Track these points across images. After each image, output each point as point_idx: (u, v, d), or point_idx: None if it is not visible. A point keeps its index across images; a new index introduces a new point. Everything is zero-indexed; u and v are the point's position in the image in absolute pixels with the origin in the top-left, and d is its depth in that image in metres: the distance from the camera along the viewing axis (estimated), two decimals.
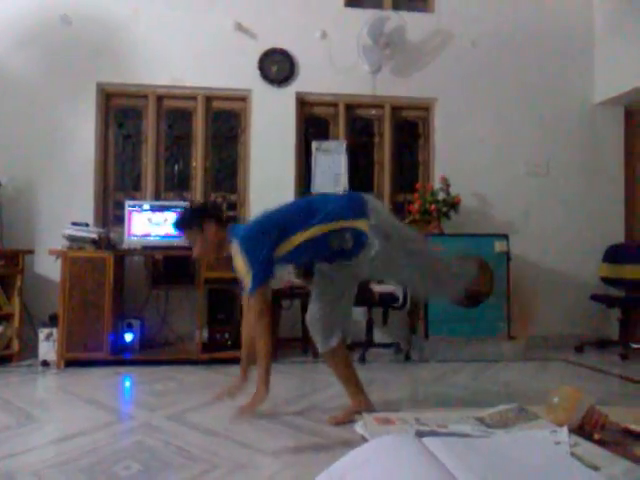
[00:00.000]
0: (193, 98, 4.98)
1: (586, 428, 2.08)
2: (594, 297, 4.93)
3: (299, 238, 2.53)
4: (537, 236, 5.15)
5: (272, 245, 2.52)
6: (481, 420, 2.17)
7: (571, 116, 5.30)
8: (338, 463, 1.08)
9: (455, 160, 5.10)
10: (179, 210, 2.79)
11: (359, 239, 2.51)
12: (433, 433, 1.67)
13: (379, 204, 2.80)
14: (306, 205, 2.71)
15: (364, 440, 2.16)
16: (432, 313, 4.46)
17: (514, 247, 4.70)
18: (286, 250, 2.54)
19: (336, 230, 2.53)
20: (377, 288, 4.52)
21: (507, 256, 4.55)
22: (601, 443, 2.00)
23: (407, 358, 4.36)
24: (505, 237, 4.58)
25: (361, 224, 2.52)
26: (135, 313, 4.52)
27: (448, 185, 4.81)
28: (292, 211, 2.71)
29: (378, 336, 4.71)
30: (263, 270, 2.50)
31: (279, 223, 2.59)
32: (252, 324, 2.59)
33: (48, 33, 4.67)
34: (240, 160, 5.05)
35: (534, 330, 4.97)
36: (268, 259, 2.51)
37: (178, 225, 2.73)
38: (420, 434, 1.59)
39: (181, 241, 4.27)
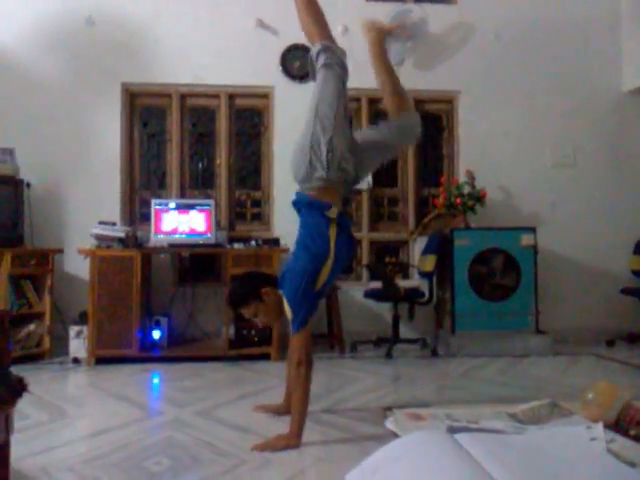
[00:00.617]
0: (216, 96, 5.00)
1: (622, 424, 2.04)
2: (625, 290, 4.83)
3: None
4: (565, 228, 5.06)
5: (311, 281, 2.43)
6: (513, 416, 2.14)
7: (598, 105, 5.20)
8: (370, 459, 1.07)
9: (480, 153, 5.05)
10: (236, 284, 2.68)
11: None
12: (465, 429, 1.65)
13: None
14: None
15: (395, 436, 2.14)
16: (459, 307, 4.43)
17: (541, 240, 4.63)
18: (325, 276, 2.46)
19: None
20: (403, 283, 4.51)
21: (534, 249, 4.49)
22: (638, 439, 1.95)
23: (434, 353, 4.33)
24: (532, 230, 4.52)
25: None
26: (162, 310, 4.57)
27: (473, 178, 4.76)
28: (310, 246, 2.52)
29: (404, 331, 4.68)
30: (303, 310, 2.42)
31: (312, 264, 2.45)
32: (292, 372, 2.54)
33: (73, 35, 4.73)
34: (263, 157, 5.06)
35: (563, 324, 4.89)
36: (307, 297, 2.43)
37: (236, 305, 2.64)
38: (452, 430, 1.58)
39: (207, 239, 4.31)
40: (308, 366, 2.41)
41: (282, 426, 2.56)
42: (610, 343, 4.72)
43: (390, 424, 1.99)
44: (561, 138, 5.14)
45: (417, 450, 1.09)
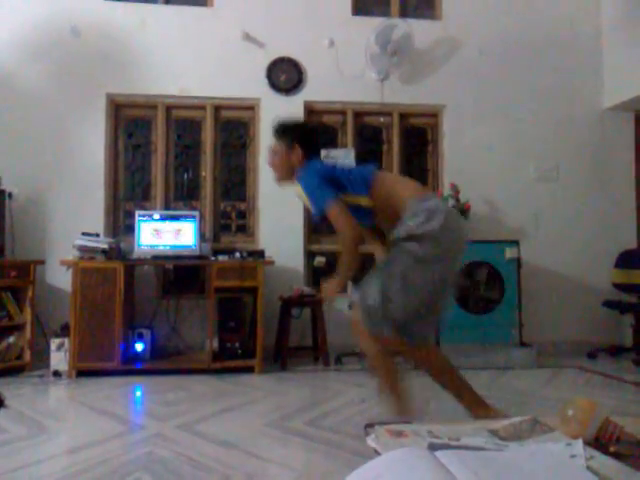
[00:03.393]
0: (202, 108, 5.00)
1: (602, 441, 2.05)
2: (606, 303, 4.88)
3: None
4: (548, 242, 5.11)
5: (329, 175, 2.55)
6: (495, 433, 2.14)
7: (581, 121, 5.27)
8: (351, 477, 1.07)
9: (464, 166, 5.09)
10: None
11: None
12: (446, 446, 1.65)
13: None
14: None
15: (376, 453, 2.14)
16: (443, 320, 4.43)
17: (525, 253, 4.68)
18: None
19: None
20: None
21: (518, 262, 4.53)
22: (617, 456, 1.96)
23: (418, 366, 4.33)
24: (516, 243, 4.55)
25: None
26: (145, 322, 4.53)
27: (457, 192, 4.80)
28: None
29: None
30: (322, 191, 2.49)
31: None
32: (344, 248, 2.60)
33: (58, 45, 4.72)
34: (249, 169, 5.07)
35: (546, 337, 4.93)
36: (325, 183, 2.50)
37: (277, 129, 2.74)
38: (433, 447, 1.57)
39: (192, 251, 4.29)
40: (352, 228, 2.51)
41: (264, 442, 2.54)
42: (592, 355, 4.76)
43: (371, 441, 1.99)
44: (544, 152, 5.21)
45: (398, 467, 1.08)
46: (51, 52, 4.71)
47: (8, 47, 4.66)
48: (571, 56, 5.29)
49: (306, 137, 2.75)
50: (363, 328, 2.61)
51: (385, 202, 2.58)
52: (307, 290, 4.63)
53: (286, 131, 2.74)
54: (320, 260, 4.91)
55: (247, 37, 4.89)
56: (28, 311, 4.17)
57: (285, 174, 2.74)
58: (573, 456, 1.33)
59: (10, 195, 4.34)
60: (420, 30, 5.02)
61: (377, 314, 2.51)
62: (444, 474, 1.02)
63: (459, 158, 5.13)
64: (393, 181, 2.71)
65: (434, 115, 5.27)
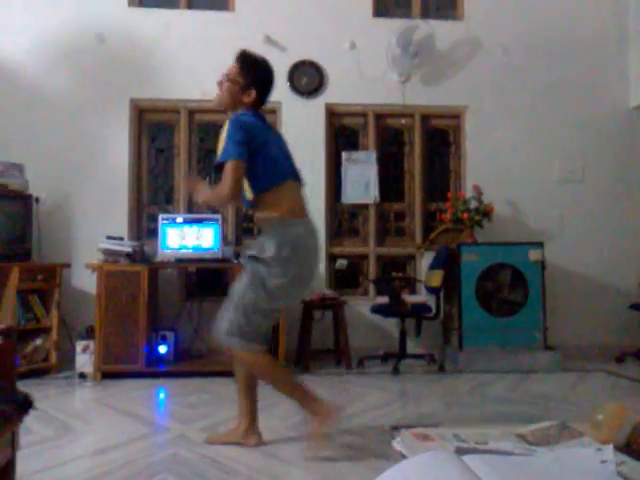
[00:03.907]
0: (224, 111, 5.01)
1: (633, 446, 2.01)
2: (634, 306, 4.79)
3: None
4: (573, 244, 5.04)
5: (256, 141, 2.46)
6: (522, 437, 2.11)
7: (606, 120, 5.19)
8: None
9: (487, 168, 5.04)
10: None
11: None
12: (474, 450, 1.63)
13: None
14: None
15: (403, 456, 2.12)
16: (466, 323, 4.40)
17: (549, 255, 4.62)
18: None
19: None
20: (409, 299, 4.49)
21: (542, 264, 4.47)
22: None
23: (441, 369, 4.30)
24: (540, 245, 4.50)
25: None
26: (169, 325, 4.56)
27: (480, 193, 4.75)
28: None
29: (411, 347, 4.66)
30: (235, 147, 2.40)
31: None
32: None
33: (83, 51, 4.79)
34: None
35: (571, 340, 4.86)
36: (244, 143, 2.41)
37: (244, 60, 2.61)
38: (460, 451, 1.56)
39: (214, 254, 4.31)
40: (234, 194, 2.43)
41: (288, 444, 2.54)
42: (619, 359, 4.67)
43: (397, 444, 1.98)
44: (569, 153, 5.14)
45: (425, 472, 1.07)
46: (77, 58, 4.79)
47: (35, 54, 4.74)
48: (596, 54, 5.21)
49: (266, 86, 2.64)
50: (238, 351, 2.48)
51: (263, 206, 2.53)
52: (329, 293, 4.62)
53: (252, 69, 2.60)
54: (342, 263, 4.92)
55: (268, 40, 4.92)
56: (54, 314, 4.23)
57: (227, 104, 2.59)
58: (603, 462, 1.30)
59: (37, 200, 4.41)
60: (442, 31, 5.00)
61: (247, 329, 2.46)
62: (472, 479, 1.01)
63: (482, 159, 5.09)
64: (282, 195, 2.53)
65: (456, 116, 5.23)
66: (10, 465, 1.76)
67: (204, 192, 2.55)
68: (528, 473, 1.06)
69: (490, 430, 2.25)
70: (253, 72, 2.60)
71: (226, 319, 2.49)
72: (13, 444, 1.75)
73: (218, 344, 2.53)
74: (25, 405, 1.74)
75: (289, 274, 2.44)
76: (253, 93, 2.58)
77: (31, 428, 2.73)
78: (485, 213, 4.70)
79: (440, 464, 1.08)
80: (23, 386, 1.79)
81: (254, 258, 2.48)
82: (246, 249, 2.64)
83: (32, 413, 1.76)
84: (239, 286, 2.52)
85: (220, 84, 2.60)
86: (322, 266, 4.91)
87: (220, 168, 2.44)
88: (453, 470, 1.06)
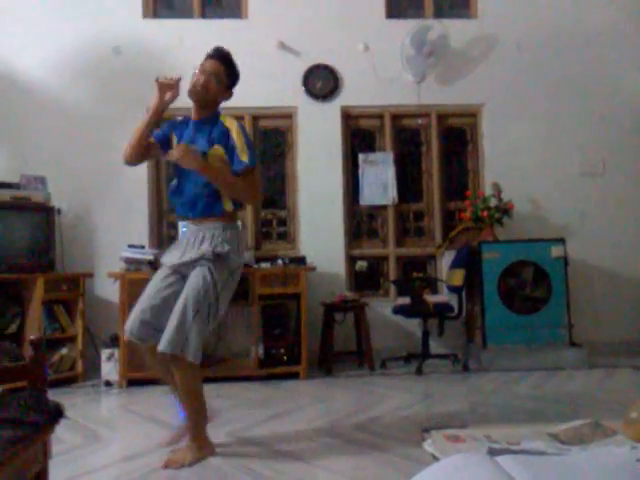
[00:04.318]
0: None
1: None
2: None
3: None
4: (596, 238, 4.97)
5: None
6: (555, 437, 2.08)
7: (625, 113, 5.12)
8: None
9: (505, 165, 5.01)
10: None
11: None
12: (506, 451, 1.61)
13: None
14: None
15: (434, 458, 2.11)
16: (489, 321, 4.37)
17: (571, 251, 4.56)
18: None
19: None
20: (431, 298, 4.47)
21: (565, 260, 4.42)
22: None
23: (465, 368, 4.27)
24: (562, 241, 4.45)
25: None
26: None
27: (500, 191, 4.72)
28: None
29: (434, 347, 4.63)
30: (254, 151, 2.56)
31: None
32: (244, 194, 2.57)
33: (100, 64, 4.85)
34: (288, 176, 5.10)
35: (597, 336, 4.79)
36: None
37: (230, 64, 2.66)
38: (493, 452, 1.54)
39: None
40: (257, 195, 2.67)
41: (314, 447, 2.54)
42: None
43: (428, 446, 1.96)
44: (588, 147, 5.07)
45: (458, 473, 1.07)
46: (94, 71, 4.85)
47: (53, 68, 4.81)
48: (612, 47, 5.14)
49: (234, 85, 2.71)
50: (182, 356, 2.39)
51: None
52: (350, 295, 4.61)
53: (235, 73, 2.68)
54: (362, 265, 4.91)
55: (282, 46, 4.94)
56: (79, 323, 4.28)
57: (208, 100, 2.61)
58: (639, 460, 1.28)
59: (59, 211, 4.47)
60: (456, 30, 4.98)
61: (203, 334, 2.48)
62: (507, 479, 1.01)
63: (500, 157, 5.05)
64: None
65: (473, 115, 5.20)
66: (43, 474, 1.78)
67: (210, 169, 2.50)
68: (562, 473, 1.05)
69: (521, 430, 2.22)
70: (235, 76, 2.70)
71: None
72: (45, 453, 1.77)
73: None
74: (56, 414, 1.77)
75: None
76: (229, 96, 2.69)
77: (61, 437, 2.75)
78: (505, 210, 4.67)
79: (473, 465, 1.08)
80: (51, 395, 1.82)
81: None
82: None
83: (62, 421, 1.78)
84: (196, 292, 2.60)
85: (207, 83, 2.60)
86: (342, 268, 4.91)
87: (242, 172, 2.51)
88: (487, 471, 1.05)
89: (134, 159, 2.68)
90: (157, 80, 2.60)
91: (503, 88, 5.08)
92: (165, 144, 2.68)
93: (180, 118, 2.70)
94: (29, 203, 4.21)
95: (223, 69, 2.63)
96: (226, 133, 2.56)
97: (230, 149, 2.54)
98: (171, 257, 2.62)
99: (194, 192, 2.55)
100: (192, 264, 2.50)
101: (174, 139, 2.68)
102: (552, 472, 1.04)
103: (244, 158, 2.49)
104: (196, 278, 2.46)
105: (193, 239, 2.55)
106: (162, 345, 2.38)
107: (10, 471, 1.52)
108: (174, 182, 2.69)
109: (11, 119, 4.75)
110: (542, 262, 4.42)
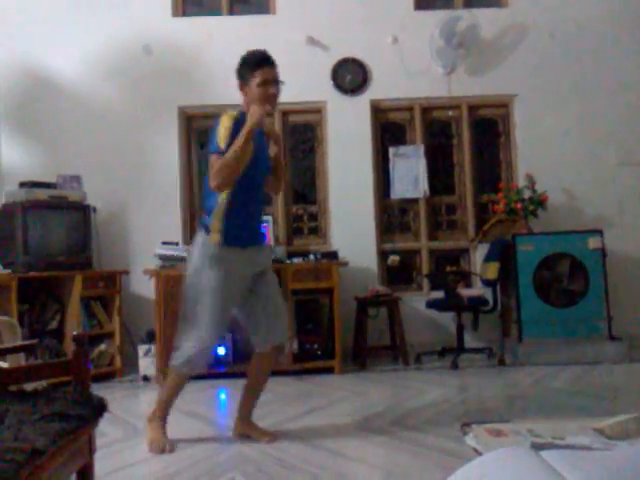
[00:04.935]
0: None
1: None
2: None
3: None
4: (634, 230, 4.86)
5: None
6: (600, 431, 2.04)
7: None
8: (454, 477, 1.05)
9: (539, 156, 4.92)
10: None
11: None
12: (551, 446, 1.59)
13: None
14: None
15: (476, 453, 2.09)
16: (525, 315, 4.31)
17: (609, 242, 4.46)
18: None
19: None
20: (465, 292, 4.42)
21: (602, 252, 4.32)
22: None
23: (501, 362, 4.22)
24: (599, 232, 4.36)
25: None
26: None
27: (533, 182, 4.64)
28: None
29: (469, 341, 4.59)
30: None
31: None
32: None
33: (132, 63, 4.91)
34: (318, 171, 5.10)
35: (638, 329, 4.67)
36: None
37: (273, 60, 2.69)
38: (537, 447, 1.52)
39: None
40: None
41: (351, 442, 2.55)
42: None
43: (471, 440, 1.94)
44: (625, 136, 4.95)
45: (503, 468, 1.06)
46: (125, 71, 4.92)
47: (85, 69, 4.90)
48: None
49: (245, 74, 2.74)
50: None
51: None
52: (382, 289, 4.60)
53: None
54: (394, 259, 4.88)
55: (311, 41, 4.93)
56: (116, 319, 4.36)
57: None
58: None
59: (95, 209, 4.55)
60: (486, 19, 4.90)
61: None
62: (554, 475, 0.99)
63: (533, 148, 4.97)
64: None
65: (504, 105, 5.12)
66: (88, 467, 1.82)
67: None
68: (610, 469, 1.03)
69: (565, 424, 2.19)
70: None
71: None
72: (90, 446, 1.81)
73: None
74: (100, 408, 1.81)
75: None
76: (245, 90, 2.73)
77: (103, 430, 2.81)
78: (539, 202, 4.59)
79: (518, 460, 1.06)
80: (92, 390, 1.86)
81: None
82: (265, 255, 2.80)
83: (104, 416, 1.82)
84: None
85: (278, 88, 2.67)
86: (374, 262, 4.89)
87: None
88: (532, 466, 1.04)
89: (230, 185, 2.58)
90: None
91: (535, 77, 4.98)
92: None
93: (234, 113, 2.65)
94: (66, 202, 4.30)
95: (276, 71, 2.69)
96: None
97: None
98: None
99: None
100: None
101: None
102: (600, 468, 1.02)
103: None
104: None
105: None
106: (284, 338, 2.75)
107: (58, 463, 1.56)
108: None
109: (46, 120, 4.85)
110: (579, 254, 4.34)
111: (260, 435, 2.68)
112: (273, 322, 2.69)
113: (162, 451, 2.54)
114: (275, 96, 2.63)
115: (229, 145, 2.46)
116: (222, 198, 2.55)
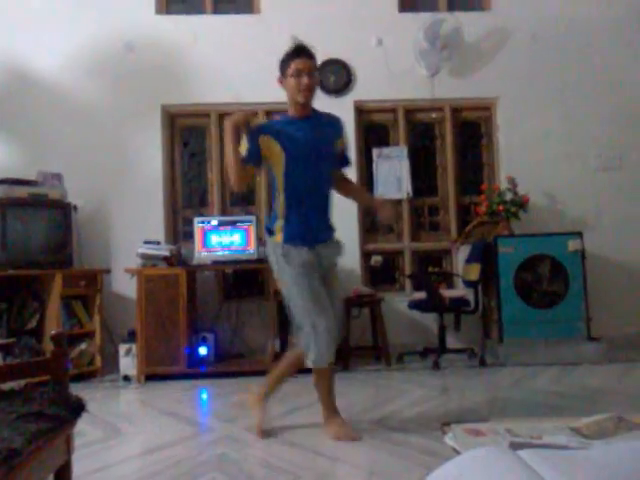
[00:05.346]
0: (254, 113, 5.05)
1: None
2: None
3: None
4: (613, 232, 4.93)
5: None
6: (577, 431, 2.07)
7: None
8: (432, 476, 1.05)
9: (521, 158, 4.97)
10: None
11: None
12: (528, 445, 1.61)
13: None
14: None
15: (455, 452, 2.11)
16: (506, 316, 4.34)
17: (589, 245, 4.52)
18: None
19: None
20: (447, 293, 4.45)
21: (582, 254, 4.38)
22: None
23: (482, 363, 4.26)
24: (579, 235, 4.41)
25: None
26: (208, 326, 4.62)
27: (515, 184, 4.69)
28: None
29: (451, 342, 4.62)
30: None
31: None
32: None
33: (114, 61, 4.87)
34: None
35: (616, 330, 4.75)
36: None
37: (311, 53, 2.69)
38: (515, 446, 1.54)
39: (250, 255, 4.34)
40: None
41: (333, 442, 2.55)
42: None
43: (449, 440, 1.95)
44: (605, 141, 5.02)
45: (480, 467, 1.06)
46: (107, 68, 4.88)
47: (68, 66, 4.85)
48: (630, 37, 5.07)
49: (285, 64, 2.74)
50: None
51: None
52: (364, 290, 4.61)
53: (315, 59, 2.71)
54: (377, 259, 4.89)
55: (295, 41, 4.91)
56: (97, 318, 4.32)
57: (313, 93, 2.66)
58: None
59: (76, 208, 4.51)
60: (469, 22, 4.94)
61: None
62: (530, 474, 1.00)
63: (515, 150, 5.02)
64: None
65: (487, 108, 5.17)
66: (67, 466, 1.80)
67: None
68: (586, 467, 1.04)
69: (543, 424, 2.21)
70: (316, 61, 2.75)
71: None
72: (68, 446, 1.79)
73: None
74: (78, 408, 1.79)
75: None
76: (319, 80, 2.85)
77: (82, 430, 2.78)
78: (521, 204, 4.63)
79: (496, 459, 1.07)
80: (71, 390, 1.84)
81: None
82: (330, 250, 2.74)
83: (83, 416, 1.80)
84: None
85: (313, 85, 2.65)
86: (357, 263, 4.90)
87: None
88: (509, 465, 1.05)
89: (244, 187, 2.73)
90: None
91: (518, 81, 5.04)
92: (259, 160, 2.67)
93: (260, 121, 2.75)
94: (46, 200, 4.25)
95: (312, 61, 2.68)
96: (343, 128, 2.77)
97: (345, 146, 2.79)
98: None
99: None
100: None
101: (272, 143, 2.63)
102: (576, 466, 1.03)
103: (349, 160, 2.85)
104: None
105: None
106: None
107: (35, 464, 1.54)
108: None
109: (27, 117, 4.79)
110: (559, 256, 4.39)
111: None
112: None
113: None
114: (308, 86, 2.61)
115: (248, 150, 2.59)
116: (281, 200, 2.64)
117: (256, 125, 2.73)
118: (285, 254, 2.60)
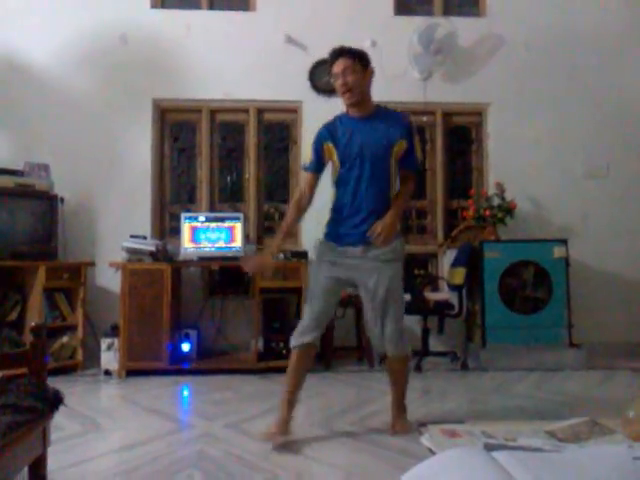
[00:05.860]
0: (245, 111, 5.06)
1: None
2: None
3: None
4: (598, 240, 4.97)
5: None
6: (552, 434, 2.09)
7: (631, 116, 5.10)
8: (407, 476, 1.06)
9: (510, 165, 5.00)
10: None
11: None
12: (503, 447, 1.62)
13: None
14: None
15: (431, 452, 2.12)
16: (489, 320, 4.37)
17: (573, 252, 4.55)
18: None
19: None
20: (432, 296, 4.47)
21: (566, 261, 4.41)
22: None
23: (464, 367, 4.28)
24: (564, 242, 4.44)
25: None
26: (192, 323, 4.60)
27: (503, 190, 4.71)
28: None
29: (434, 345, 4.63)
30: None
31: None
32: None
33: (106, 53, 4.84)
34: (292, 171, 5.09)
35: (597, 338, 4.79)
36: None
37: (349, 50, 2.63)
38: (489, 447, 1.55)
39: (237, 252, 4.33)
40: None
41: (311, 441, 2.55)
42: None
43: (426, 440, 1.97)
44: (593, 149, 5.06)
45: (454, 467, 1.07)
46: (99, 60, 4.84)
47: (59, 57, 4.80)
48: (621, 48, 5.12)
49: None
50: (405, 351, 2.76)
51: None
52: (350, 290, 4.60)
53: (360, 54, 2.63)
54: None
55: (289, 40, 4.92)
56: (80, 312, 4.29)
57: (360, 96, 2.61)
58: (636, 458, 1.29)
59: (62, 200, 4.47)
60: (464, 28, 4.96)
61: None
62: (503, 475, 1.01)
63: (504, 156, 5.04)
64: None
65: (478, 113, 5.19)
66: (41, 460, 1.79)
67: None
68: (559, 470, 1.05)
69: (518, 427, 2.23)
70: (362, 55, 2.67)
71: (400, 326, 2.65)
72: (44, 440, 1.78)
73: (397, 354, 2.67)
74: (55, 402, 1.78)
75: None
76: (371, 73, 2.68)
77: (60, 424, 2.77)
78: (508, 210, 4.66)
79: (470, 460, 1.08)
80: (51, 383, 1.83)
81: (392, 260, 2.64)
82: (374, 251, 2.64)
83: (61, 409, 1.79)
84: (400, 291, 2.68)
85: (350, 82, 2.60)
86: None
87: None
88: (483, 466, 1.06)
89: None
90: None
91: (509, 88, 5.06)
92: (322, 166, 2.73)
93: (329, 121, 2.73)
94: (32, 190, 4.21)
95: (350, 60, 2.61)
96: (409, 129, 2.66)
97: (410, 146, 2.66)
98: None
99: None
100: None
101: (330, 146, 2.67)
102: (548, 468, 1.04)
103: (420, 156, 2.74)
104: None
105: None
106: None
107: (9, 456, 1.53)
108: None
109: (15, 107, 4.74)
110: (543, 262, 4.42)
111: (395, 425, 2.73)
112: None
113: None
114: (344, 87, 2.60)
115: (312, 162, 2.68)
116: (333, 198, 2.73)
117: (318, 133, 2.69)
118: (316, 250, 2.81)
